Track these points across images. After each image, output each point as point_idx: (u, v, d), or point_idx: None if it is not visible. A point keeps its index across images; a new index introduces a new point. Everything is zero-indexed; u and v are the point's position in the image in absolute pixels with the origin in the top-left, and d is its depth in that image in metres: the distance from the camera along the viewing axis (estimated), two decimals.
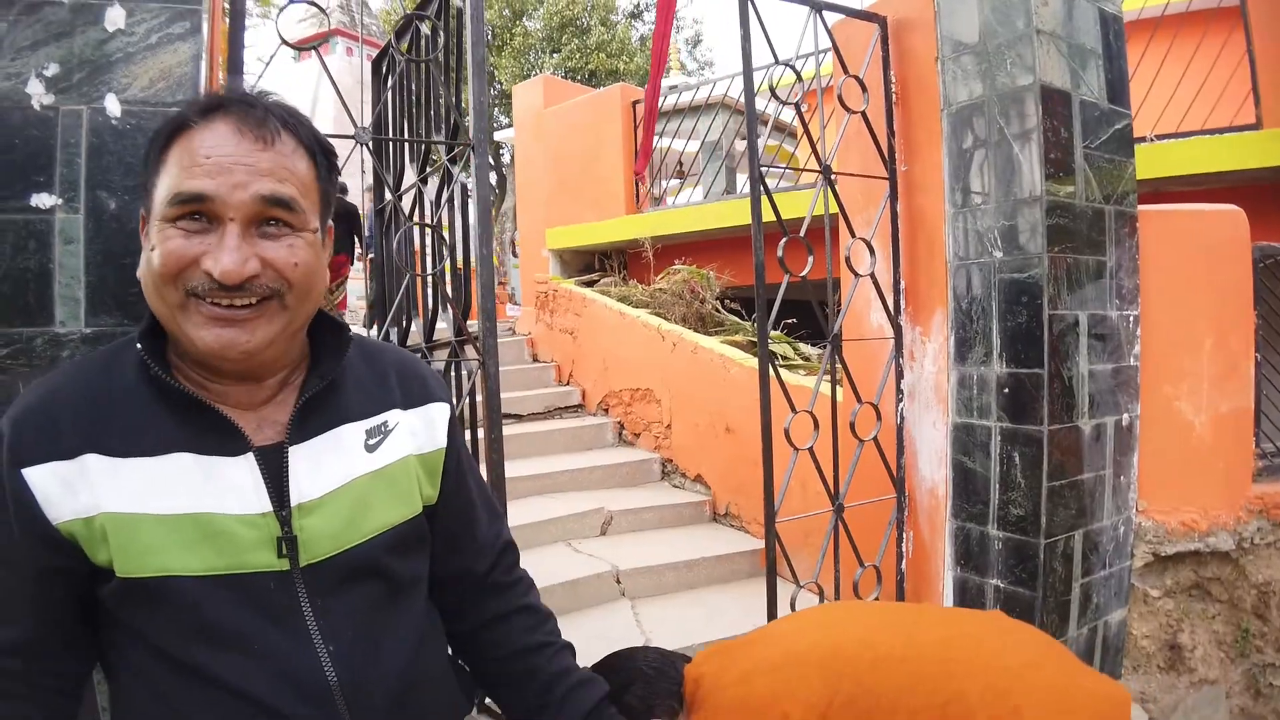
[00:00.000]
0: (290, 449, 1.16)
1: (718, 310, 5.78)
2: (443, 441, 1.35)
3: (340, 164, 1.28)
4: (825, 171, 3.25)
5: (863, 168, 3.50)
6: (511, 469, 5.26)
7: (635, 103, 7.06)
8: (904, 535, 3.58)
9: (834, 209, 3.33)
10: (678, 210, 6.76)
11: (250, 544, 1.10)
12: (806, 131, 3.25)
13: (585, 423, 6.07)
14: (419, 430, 1.32)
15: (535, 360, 7.19)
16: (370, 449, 1.24)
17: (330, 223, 1.21)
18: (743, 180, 11.05)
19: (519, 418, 6.21)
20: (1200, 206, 3.39)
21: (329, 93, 25.12)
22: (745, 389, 4.67)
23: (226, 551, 1.08)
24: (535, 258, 7.74)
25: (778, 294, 3.18)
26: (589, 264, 7.60)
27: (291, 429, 1.17)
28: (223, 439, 1.12)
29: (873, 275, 3.40)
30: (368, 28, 26.76)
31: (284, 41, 2.56)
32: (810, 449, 3.16)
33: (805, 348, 5.12)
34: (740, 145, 11.49)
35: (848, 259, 3.31)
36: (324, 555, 1.15)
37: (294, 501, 1.14)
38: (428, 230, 2.94)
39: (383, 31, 27.65)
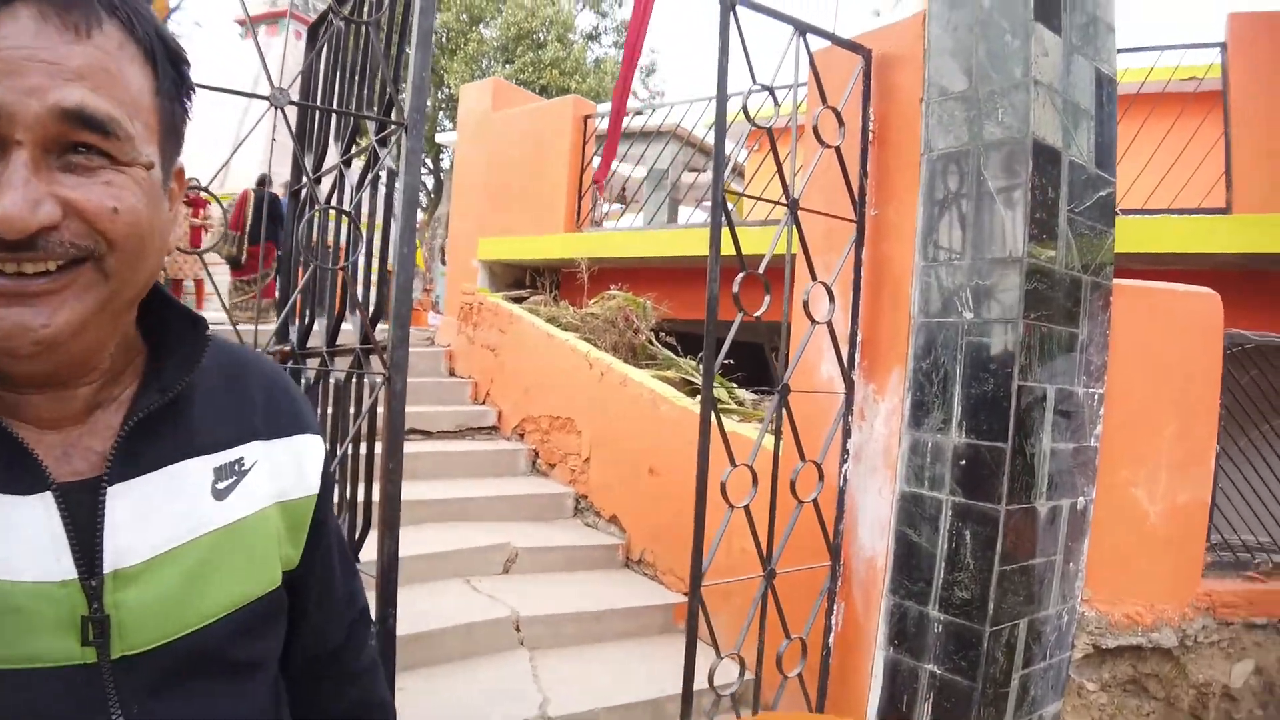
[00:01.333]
0: (108, 489, 0.77)
1: (651, 343, 5.48)
2: (314, 486, 0.99)
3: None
4: (792, 206, 2.99)
5: (830, 208, 3.25)
6: (412, 491, 4.89)
7: (587, 117, 6.77)
8: (835, 607, 3.30)
9: (796, 248, 3.07)
10: (620, 233, 6.46)
11: (42, 625, 0.72)
12: (776, 160, 2.98)
13: (498, 446, 5.68)
14: (285, 470, 0.95)
15: (452, 374, 6.78)
16: (220, 494, 0.87)
17: (180, 163, 0.85)
18: (686, 212, 10.84)
19: (427, 434, 5.80)
20: (1176, 286, 3.23)
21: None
22: (675, 429, 4.37)
23: (6, 636, 0.71)
24: (464, 267, 7.34)
25: (729, 333, 2.88)
26: (520, 279, 7.24)
27: (113, 461, 0.79)
28: (8, 470, 0.74)
29: (829, 324, 3.14)
30: (317, 9, 26.02)
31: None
32: (746, 507, 2.86)
33: (741, 392, 4.84)
34: (688, 178, 11.32)
35: (805, 303, 3.03)
36: (147, 645, 0.77)
37: (109, 566, 0.76)
38: (343, 218, 2.57)
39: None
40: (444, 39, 33.73)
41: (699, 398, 4.50)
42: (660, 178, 8.81)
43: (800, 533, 3.09)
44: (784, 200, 2.99)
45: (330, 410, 2.54)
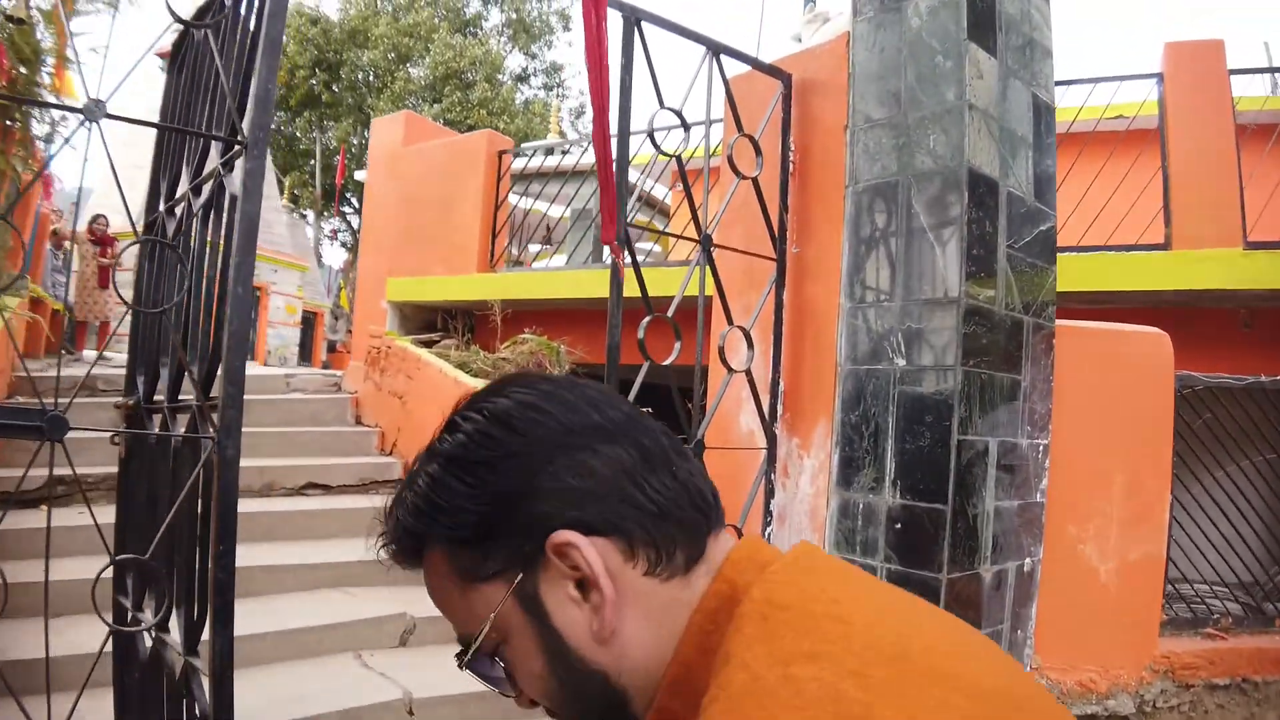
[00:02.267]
0: None
1: None
2: None
3: None
4: (705, 241, 2.69)
5: (749, 245, 2.97)
6: (305, 552, 4.46)
7: (502, 153, 6.44)
8: None
9: (710, 289, 2.77)
10: (533, 274, 6.11)
11: None
12: (686, 190, 2.69)
13: None
14: None
15: (359, 423, 6.32)
16: None
17: None
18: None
19: (327, 489, 5.34)
20: (1123, 327, 3.00)
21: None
22: None
23: None
24: (372, 308, 6.90)
25: (636, 379, 2.55)
26: (431, 322, 6.84)
27: None
28: None
29: (749, 371, 2.84)
30: None
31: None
32: None
33: None
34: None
35: (721, 349, 2.73)
36: None
37: None
38: (172, 253, 2.18)
39: None
40: (371, 77, 33.33)
41: None
42: (581, 217, 8.53)
43: None
44: (695, 239, 2.69)
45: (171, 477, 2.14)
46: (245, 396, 1.88)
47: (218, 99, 2.31)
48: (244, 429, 1.89)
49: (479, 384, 4.82)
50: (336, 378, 7.00)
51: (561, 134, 20.57)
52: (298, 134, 34.51)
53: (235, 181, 1.92)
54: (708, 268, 2.71)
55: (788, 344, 2.98)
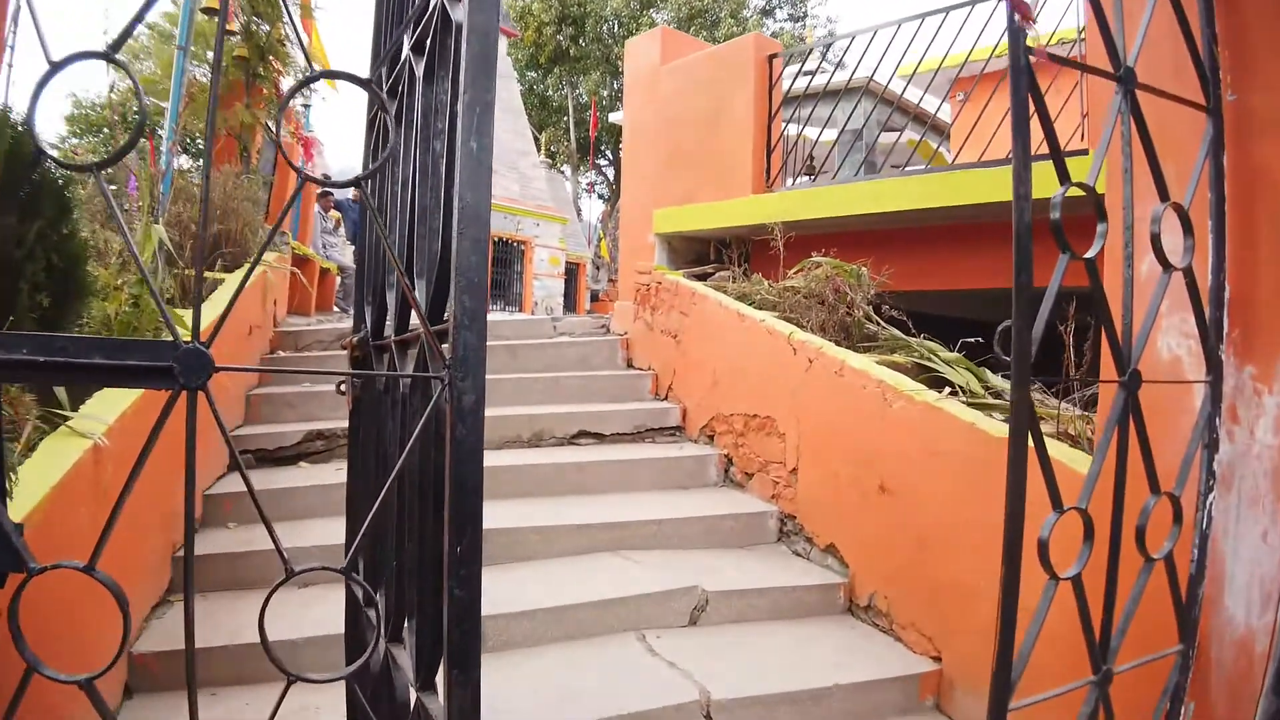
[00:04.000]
0: None
1: (871, 319, 4.35)
2: None
3: None
4: (1126, 78, 1.85)
5: (1162, 85, 2.06)
6: (581, 510, 4.02)
7: (772, 57, 5.68)
8: (1182, 711, 2.13)
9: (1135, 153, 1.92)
10: (823, 190, 5.29)
11: None
12: (1096, 7, 1.84)
13: (683, 452, 4.74)
14: None
15: (630, 366, 5.90)
16: None
17: None
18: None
19: (600, 438, 4.93)
20: None
21: None
22: (913, 433, 3.26)
23: None
24: (639, 244, 6.44)
25: (1045, 297, 1.76)
26: (703, 254, 6.26)
27: None
28: None
29: (1188, 269, 1.97)
30: None
31: None
32: (1076, 577, 1.76)
33: (995, 379, 3.65)
34: (887, 138, 9.98)
35: (1155, 238, 1.88)
36: None
37: None
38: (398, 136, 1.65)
39: (504, 14, 26.93)
40: (616, 26, 33.34)
41: (948, 392, 3.39)
42: (853, 140, 7.61)
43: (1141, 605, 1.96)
44: (1110, 73, 1.84)
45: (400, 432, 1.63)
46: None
47: None
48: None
49: (764, 317, 4.16)
50: (604, 320, 6.62)
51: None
52: (549, 91, 35.31)
53: (460, 8, 1.33)
54: (1131, 115, 1.86)
55: (1233, 232, 2.07)
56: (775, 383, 4.16)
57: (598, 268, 32.84)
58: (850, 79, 6.39)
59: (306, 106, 10.77)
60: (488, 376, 1.21)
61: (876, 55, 5.27)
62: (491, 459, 4.53)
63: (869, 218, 4.91)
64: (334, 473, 4.07)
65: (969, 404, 3.25)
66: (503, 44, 26.79)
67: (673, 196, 6.14)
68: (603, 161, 37.95)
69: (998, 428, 2.90)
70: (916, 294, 4.87)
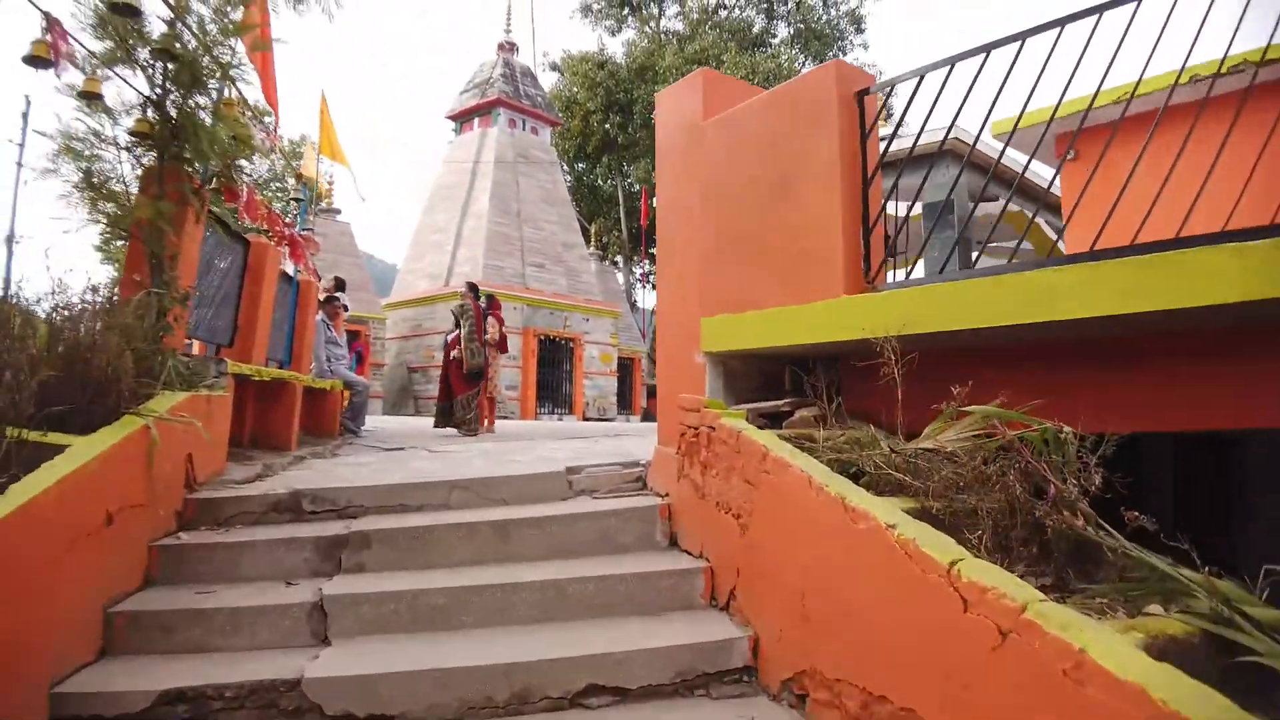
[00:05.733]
0: None
1: (1091, 522, 2.41)
2: None
3: None
4: None
5: None
6: None
7: (862, 94, 3.93)
8: None
9: None
10: (971, 285, 3.33)
11: None
12: None
13: None
14: None
15: (673, 545, 4.05)
16: None
17: None
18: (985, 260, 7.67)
19: (621, 696, 3.06)
20: None
21: (488, 165, 23.48)
22: None
23: None
24: (682, 364, 4.63)
25: None
26: (773, 379, 4.43)
27: None
28: None
29: None
30: (532, 98, 25.10)
31: None
32: None
33: None
34: (982, 209, 8.14)
35: None
36: None
37: None
38: None
39: (547, 102, 25.98)
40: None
41: None
42: (938, 214, 5.84)
43: None
44: None
45: None
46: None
47: None
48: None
49: (892, 519, 2.23)
50: (638, 469, 4.78)
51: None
52: (599, 180, 34.27)
53: None
54: None
55: None
56: (920, 646, 2.28)
57: (654, 361, 31.05)
58: (948, 133, 4.58)
59: (297, 201, 9.36)
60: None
61: (976, 97, 3.49)
62: None
63: (1017, 330, 3.04)
64: None
65: None
66: (546, 134, 25.74)
67: (725, 298, 4.33)
68: (656, 250, 36.48)
69: None
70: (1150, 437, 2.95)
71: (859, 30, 35.65)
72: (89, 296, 3.95)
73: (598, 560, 3.85)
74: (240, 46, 5.07)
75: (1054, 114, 3.60)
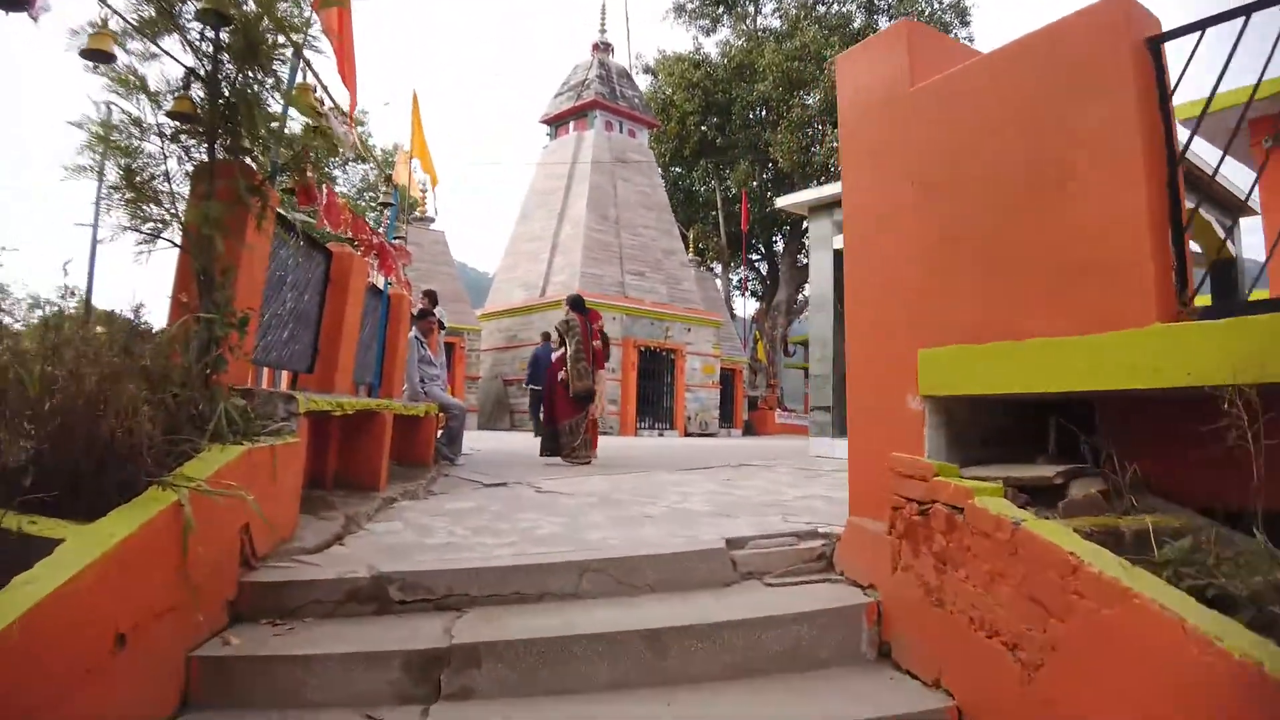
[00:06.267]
0: None
1: None
2: None
3: None
4: None
5: None
6: None
7: (1154, 40, 2.78)
8: None
9: None
10: None
11: None
12: None
13: None
14: None
15: (882, 658, 2.99)
16: None
17: None
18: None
19: None
20: None
21: (584, 169, 22.68)
22: None
23: None
24: (887, 408, 3.43)
25: None
26: (1001, 431, 3.31)
27: None
28: None
29: None
30: (629, 99, 24.22)
31: None
32: None
33: None
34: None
35: None
36: None
37: None
38: None
39: (644, 103, 25.06)
40: (764, 111, 30.99)
41: None
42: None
43: None
44: None
45: None
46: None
47: None
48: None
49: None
50: (819, 542, 3.70)
51: None
52: (695, 185, 33.15)
53: None
54: None
55: None
56: None
57: (755, 372, 29.84)
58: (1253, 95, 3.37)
59: (386, 206, 8.56)
60: None
61: None
62: None
63: None
64: None
65: None
66: (644, 136, 24.82)
67: (955, 323, 3.22)
68: (755, 256, 35.26)
69: None
70: None
71: (963, 23, 33.60)
72: (92, 330, 3.06)
73: (787, 687, 2.80)
74: (311, 13, 4.17)
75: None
